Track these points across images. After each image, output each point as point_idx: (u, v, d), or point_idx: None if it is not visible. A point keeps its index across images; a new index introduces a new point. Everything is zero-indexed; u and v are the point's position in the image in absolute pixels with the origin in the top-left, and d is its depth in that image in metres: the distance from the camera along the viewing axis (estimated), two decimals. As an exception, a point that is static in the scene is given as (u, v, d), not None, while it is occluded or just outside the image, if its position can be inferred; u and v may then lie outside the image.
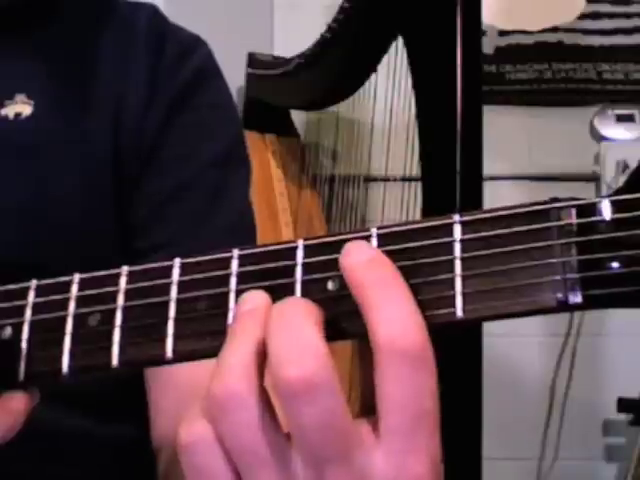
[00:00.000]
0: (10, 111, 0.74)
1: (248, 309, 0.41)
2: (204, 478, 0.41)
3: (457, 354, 1.19)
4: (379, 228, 0.42)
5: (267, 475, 0.40)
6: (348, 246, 0.41)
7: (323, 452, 0.39)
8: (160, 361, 0.43)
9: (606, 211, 0.38)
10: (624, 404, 2.04)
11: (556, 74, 2.32)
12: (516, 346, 2.22)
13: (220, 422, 0.40)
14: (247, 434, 0.39)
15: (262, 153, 2.07)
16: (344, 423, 0.39)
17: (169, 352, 0.43)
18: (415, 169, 1.40)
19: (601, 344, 2.25)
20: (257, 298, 0.42)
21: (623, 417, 2.08)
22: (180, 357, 0.43)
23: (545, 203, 0.40)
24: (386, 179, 1.74)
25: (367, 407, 0.41)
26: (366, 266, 0.40)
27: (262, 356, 0.40)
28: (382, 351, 0.39)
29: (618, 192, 0.38)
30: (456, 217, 0.40)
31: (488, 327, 1.19)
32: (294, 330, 0.39)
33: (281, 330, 0.39)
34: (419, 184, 1.35)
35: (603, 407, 2.18)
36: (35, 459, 0.72)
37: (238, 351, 0.40)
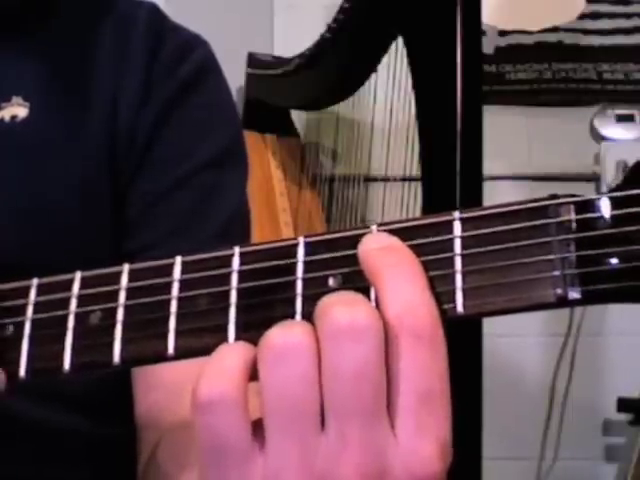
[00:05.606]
0: (6, 113, 0.74)
1: None
2: (217, 440, 0.41)
3: (457, 354, 1.19)
4: (379, 225, 0.42)
5: (298, 430, 0.40)
6: (366, 236, 0.42)
7: (352, 403, 0.39)
8: (161, 358, 0.43)
9: (604, 208, 0.39)
10: (624, 404, 2.04)
11: (556, 74, 2.32)
12: (516, 346, 2.21)
13: (273, 371, 0.40)
14: (298, 386, 0.39)
15: (262, 153, 2.06)
16: (377, 379, 0.39)
17: (170, 349, 0.43)
18: (415, 169, 1.40)
19: (601, 344, 2.25)
20: None
21: (623, 417, 2.08)
22: (181, 354, 0.43)
23: (544, 200, 0.40)
24: (386, 179, 1.74)
25: None
26: (381, 250, 0.41)
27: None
28: (390, 328, 0.39)
29: (616, 189, 0.39)
30: (456, 214, 0.41)
31: (488, 327, 1.19)
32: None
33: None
34: (419, 184, 1.35)
35: (603, 407, 2.18)
36: (32, 460, 0.71)
37: None
